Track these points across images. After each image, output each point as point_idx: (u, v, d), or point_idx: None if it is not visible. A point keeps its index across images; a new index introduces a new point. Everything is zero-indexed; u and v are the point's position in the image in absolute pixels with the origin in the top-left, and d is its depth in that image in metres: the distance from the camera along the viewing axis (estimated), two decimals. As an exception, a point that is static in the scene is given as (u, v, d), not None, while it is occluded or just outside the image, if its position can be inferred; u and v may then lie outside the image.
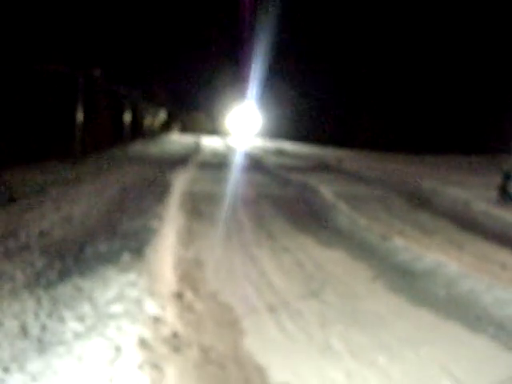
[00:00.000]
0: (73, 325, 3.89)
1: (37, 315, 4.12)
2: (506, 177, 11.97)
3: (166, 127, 46.84)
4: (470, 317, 5.11)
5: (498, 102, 37.15)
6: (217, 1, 42.45)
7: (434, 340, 4.57)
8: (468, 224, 9.76)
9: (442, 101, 39.69)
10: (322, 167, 21.31)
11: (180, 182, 12.77)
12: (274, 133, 45.92)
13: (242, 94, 43.49)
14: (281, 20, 37.99)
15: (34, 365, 3.28)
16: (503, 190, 11.73)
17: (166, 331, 4.00)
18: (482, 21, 37.06)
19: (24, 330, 3.86)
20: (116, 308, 4.14)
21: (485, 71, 37.54)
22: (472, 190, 12.71)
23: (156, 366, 3.37)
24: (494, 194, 11.84)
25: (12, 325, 3.96)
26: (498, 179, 12.24)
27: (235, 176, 16.49)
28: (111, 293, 4.47)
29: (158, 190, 10.73)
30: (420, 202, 12.01)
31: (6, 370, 3.25)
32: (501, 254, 7.60)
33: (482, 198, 11.41)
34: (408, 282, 6.15)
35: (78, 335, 3.71)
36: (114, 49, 24.12)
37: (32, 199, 9.02)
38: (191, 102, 52.53)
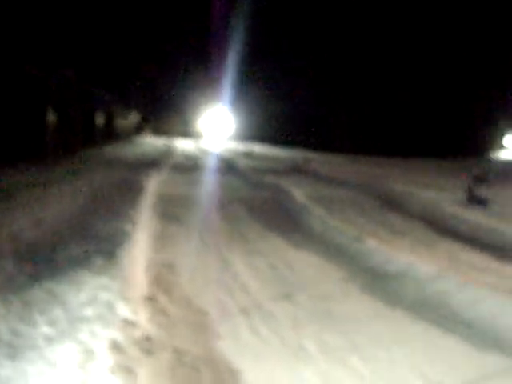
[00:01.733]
0: (44, 329, 3.86)
1: (7, 320, 4.07)
2: (477, 180, 12.16)
3: (139, 129, 46.54)
4: (442, 317, 5.18)
5: (470, 107, 37.70)
6: (189, 4, 42.31)
7: (406, 341, 4.62)
8: (439, 226, 9.89)
9: (414, 105, 40.12)
10: (294, 170, 21.36)
11: (153, 185, 12.70)
12: (247, 135, 45.89)
13: (214, 96, 43.49)
14: (253, 23, 38.09)
15: (5, 370, 3.25)
16: (471, 193, 11.91)
17: (138, 334, 3.99)
18: (453, 26, 37.59)
19: (-6, 335, 3.81)
20: (88, 312, 4.11)
21: (457, 76, 38.06)
22: (443, 193, 12.87)
23: (128, 370, 3.36)
24: (463, 196, 12.01)
25: (-18, 330, 3.91)
26: (467, 182, 12.44)
27: (208, 179, 16.48)
28: (83, 296, 4.44)
29: (131, 193, 10.67)
30: (392, 204, 12.13)
31: (-24, 375, 3.21)
32: (470, 255, 7.72)
33: (451, 201, 11.57)
34: (380, 283, 6.21)
35: (49, 340, 3.67)
36: (87, 50, 23.92)
37: (2, 202, 8.90)
38: (164, 105, 52.26)
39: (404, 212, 11.26)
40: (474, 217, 9.92)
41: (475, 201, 11.64)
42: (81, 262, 5.49)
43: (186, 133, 51.43)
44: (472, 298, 5.42)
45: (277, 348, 4.36)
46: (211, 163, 22.66)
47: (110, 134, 30.25)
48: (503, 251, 7.99)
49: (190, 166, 20.79)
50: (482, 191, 12.12)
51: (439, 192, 13.00)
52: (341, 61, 41.12)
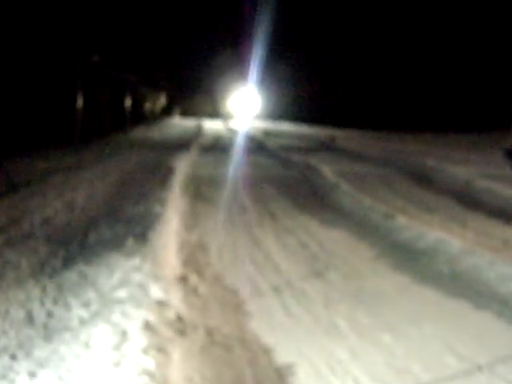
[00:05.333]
0: (78, 311, 3.91)
1: (42, 302, 4.14)
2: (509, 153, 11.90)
3: (167, 111, 46.67)
4: (473, 293, 5.12)
5: (493, 79, 36.96)
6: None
7: (437, 317, 4.59)
8: (470, 201, 9.75)
9: (441, 79, 39.46)
10: (322, 147, 21.29)
11: (182, 166, 12.75)
12: (274, 114, 45.77)
13: (242, 76, 43.29)
14: (281, 3, 37.73)
15: (41, 352, 3.30)
16: None
17: (170, 315, 4.02)
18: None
19: (30, 318, 3.88)
20: (121, 293, 4.15)
21: (478, 48, 37.28)
22: (473, 167, 12.69)
23: (161, 350, 3.40)
24: (494, 170, 11.81)
25: (18, 312, 3.98)
26: (497, 156, 12.22)
27: (237, 158, 16.47)
28: (116, 278, 4.49)
29: (161, 175, 10.73)
30: (422, 179, 12.00)
31: (14, 357, 3.27)
32: (503, 231, 7.61)
33: (483, 175, 11.39)
34: (411, 259, 6.17)
35: (83, 321, 3.72)
36: (113, 34, 23.96)
37: (34, 187, 9.03)
38: (192, 85, 52.19)
39: (435, 187, 11.14)
40: (507, 192, 9.75)
41: None
42: (113, 244, 5.55)
43: (215, 113, 51.40)
44: (505, 274, 5.35)
45: (309, 326, 4.36)
46: (240, 143, 22.64)
47: (139, 117, 30.41)
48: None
49: (219, 147, 20.83)
50: None
51: (470, 166, 12.82)
52: (366, 39, 40.56)
